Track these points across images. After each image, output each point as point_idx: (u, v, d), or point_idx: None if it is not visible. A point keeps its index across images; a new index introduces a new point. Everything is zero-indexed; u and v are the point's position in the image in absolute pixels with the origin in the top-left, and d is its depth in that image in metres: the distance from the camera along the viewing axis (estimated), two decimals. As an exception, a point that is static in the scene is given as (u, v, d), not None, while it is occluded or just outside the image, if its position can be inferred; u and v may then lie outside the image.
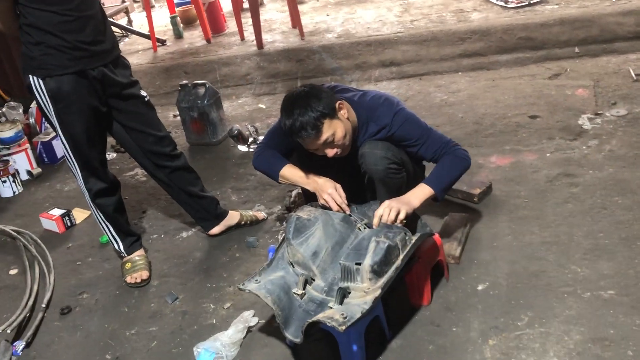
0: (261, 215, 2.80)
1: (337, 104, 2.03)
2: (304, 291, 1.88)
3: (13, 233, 2.97)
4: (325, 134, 1.99)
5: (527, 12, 4.90)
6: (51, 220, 3.01)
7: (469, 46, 4.55)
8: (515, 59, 4.29)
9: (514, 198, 2.64)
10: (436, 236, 2.12)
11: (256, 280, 1.88)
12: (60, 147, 3.44)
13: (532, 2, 4.98)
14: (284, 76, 4.78)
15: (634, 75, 3.68)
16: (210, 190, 3.02)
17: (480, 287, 2.14)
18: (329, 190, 2.08)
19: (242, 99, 4.55)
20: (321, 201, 2.12)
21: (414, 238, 1.92)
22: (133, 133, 2.39)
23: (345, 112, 2.06)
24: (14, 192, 3.48)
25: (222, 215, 2.70)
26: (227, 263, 2.55)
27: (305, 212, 2.04)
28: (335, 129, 2.00)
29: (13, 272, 2.74)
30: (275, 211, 2.88)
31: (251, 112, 4.23)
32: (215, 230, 2.70)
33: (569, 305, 1.99)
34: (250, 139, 3.62)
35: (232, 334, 2.04)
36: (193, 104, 3.66)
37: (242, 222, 2.74)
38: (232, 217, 2.73)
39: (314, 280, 1.91)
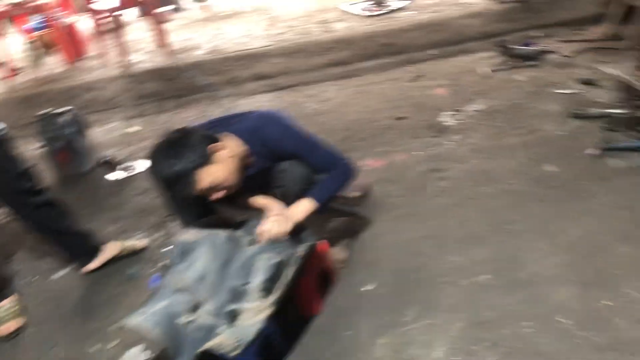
0: (140, 243, 2.68)
1: (212, 147, 1.91)
2: (192, 318, 1.82)
3: None
4: (203, 184, 1.89)
5: (386, 20, 5.17)
6: None
7: (335, 55, 4.71)
8: (379, 65, 4.50)
9: (391, 197, 2.75)
10: (321, 244, 2.15)
11: (140, 313, 1.79)
12: None
13: (391, 9, 5.26)
14: (154, 96, 4.64)
15: (483, 72, 4.00)
16: (85, 223, 2.84)
17: (367, 288, 2.20)
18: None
19: (111, 123, 4.35)
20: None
21: (301, 251, 1.93)
22: None
23: (226, 150, 1.96)
24: None
25: (97, 249, 2.54)
26: (109, 299, 2.40)
27: (189, 235, 1.98)
28: (214, 175, 1.90)
29: None
30: (157, 237, 2.76)
31: (122, 136, 4.06)
32: (91, 266, 2.54)
33: (449, 294, 2.10)
34: (124, 164, 3.46)
35: (121, 374, 1.92)
36: (56, 134, 3.43)
37: (120, 254, 2.60)
38: (109, 250, 2.58)
39: (203, 304, 1.86)
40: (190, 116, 4.17)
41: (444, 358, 1.84)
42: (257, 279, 1.78)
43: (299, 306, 2.09)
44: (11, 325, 2.27)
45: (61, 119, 3.46)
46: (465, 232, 2.41)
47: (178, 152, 1.86)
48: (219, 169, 1.91)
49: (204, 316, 1.84)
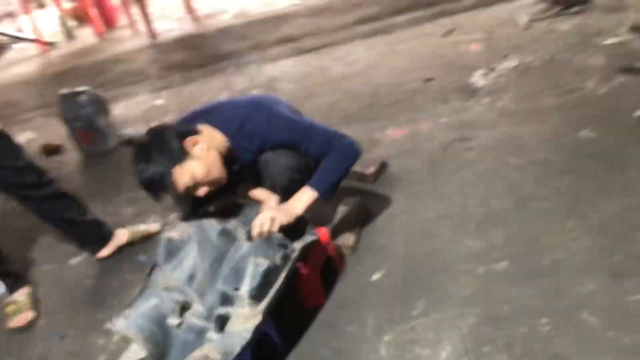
0: (154, 228, 2.63)
1: (186, 143, 1.80)
2: (181, 319, 1.74)
3: None
4: (181, 182, 1.79)
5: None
6: None
7: (365, 11, 4.44)
8: (411, 19, 4.21)
9: (410, 173, 2.56)
10: (322, 232, 2.01)
11: (125, 316, 1.73)
12: None
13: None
14: (181, 67, 4.55)
15: (523, 23, 3.64)
16: (105, 204, 2.84)
17: (375, 277, 2.06)
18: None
19: (139, 96, 4.31)
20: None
21: (296, 251, 1.80)
22: None
23: (203, 145, 1.84)
24: None
25: (108, 236, 2.52)
26: (119, 288, 2.38)
27: (177, 232, 1.89)
28: (192, 172, 1.79)
29: None
30: (172, 220, 2.71)
31: (147, 110, 4.01)
32: (104, 252, 2.53)
33: (463, 284, 1.92)
34: (143, 143, 3.40)
35: (121, 371, 1.89)
36: (76, 115, 3.41)
37: (134, 240, 2.57)
38: (120, 236, 2.55)
39: (192, 305, 1.78)
40: (215, 87, 4.07)
41: None
42: (246, 286, 1.68)
43: (301, 299, 1.99)
44: (24, 317, 2.29)
45: (81, 99, 3.43)
46: (486, 211, 2.21)
47: (149, 155, 1.78)
48: (197, 165, 1.80)
49: (194, 318, 1.76)
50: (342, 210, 2.34)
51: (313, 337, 1.89)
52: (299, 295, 1.98)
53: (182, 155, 1.79)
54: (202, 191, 1.87)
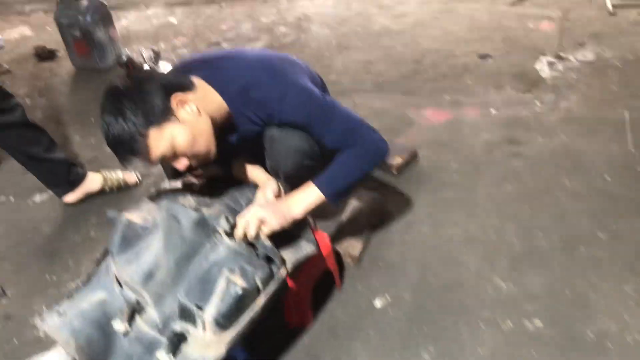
0: (132, 178, 2.26)
1: (172, 100, 1.38)
2: (128, 326, 1.39)
3: None
4: (157, 150, 1.38)
5: None
6: None
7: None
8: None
9: (442, 171, 2.14)
10: (323, 240, 1.62)
11: (60, 312, 1.38)
12: None
13: None
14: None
15: (610, 6, 3.08)
16: (85, 134, 2.45)
17: (378, 303, 1.69)
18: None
19: (151, 9, 3.82)
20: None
21: (284, 270, 1.42)
22: None
23: (193, 106, 1.42)
24: None
25: (78, 180, 2.15)
26: (78, 245, 2.03)
27: (140, 214, 1.50)
28: (173, 138, 1.38)
29: None
30: (153, 173, 2.33)
31: (158, 27, 3.54)
32: (71, 198, 2.17)
33: (484, 338, 1.55)
34: (145, 67, 2.97)
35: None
36: (74, 21, 2.96)
37: (107, 188, 2.20)
38: (92, 182, 2.18)
39: (145, 309, 1.41)
40: (237, 14, 3.57)
41: None
42: (212, 308, 1.30)
43: (283, 315, 1.63)
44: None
45: (81, 4, 2.96)
46: (527, 244, 1.81)
47: (121, 108, 1.34)
48: (181, 130, 1.38)
49: (145, 325, 1.41)
50: (352, 205, 1.94)
51: (289, 370, 1.54)
52: (281, 310, 1.61)
53: (163, 115, 1.37)
54: (181, 164, 1.46)
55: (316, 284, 1.65)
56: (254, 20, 3.49)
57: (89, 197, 2.20)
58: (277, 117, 1.51)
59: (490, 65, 2.73)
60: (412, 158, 2.17)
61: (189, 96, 1.43)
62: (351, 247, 1.81)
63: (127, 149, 1.38)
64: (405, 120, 2.40)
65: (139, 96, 1.37)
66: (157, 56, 3.05)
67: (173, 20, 3.63)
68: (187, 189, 1.70)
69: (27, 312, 1.80)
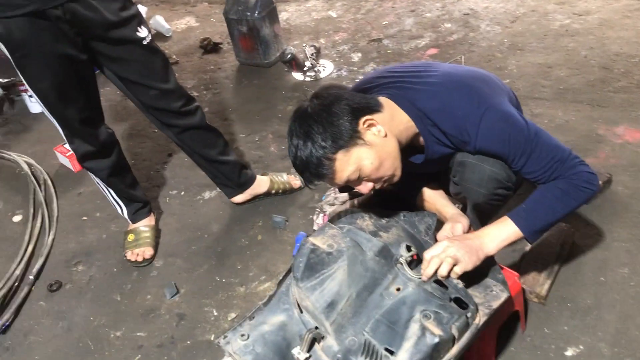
0: (297, 183, 2.24)
1: (361, 122, 1.31)
2: (308, 355, 1.34)
3: (25, 167, 2.62)
4: (343, 173, 1.32)
5: None
6: (64, 156, 2.61)
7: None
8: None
9: (643, 202, 1.87)
10: (512, 279, 1.46)
11: (242, 335, 1.36)
12: (31, 102, 3.11)
13: None
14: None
15: None
16: (250, 132, 2.48)
17: (569, 352, 1.50)
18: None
19: (311, 1, 3.78)
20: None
21: (478, 319, 1.29)
22: (130, 85, 1.81)
23: (380, 128, 1.34)
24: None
25: (248, 182, 2.16)
26: (245, 248, 2.04)
27: (324, 239, 1.44)
28: (360, 162, 1.31)
29: (17, 219, 2.41)
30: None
31: (318, 22, 3.50)
32: (239, 198, 2.19)
33: None
34: (307, 65, 2.94)
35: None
36: (242, 16, 2.99)
37: (273, 191, 2.20)
38: (260, 185, 2.19)
39: (325, 338, 1.36)
40: (400, 7, 3.43)
41: None
42: (405, 354, 1.21)
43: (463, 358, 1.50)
44: (142, 253, 2.05)
45: (250, 0, 2.98)
46: None
47: (309, 131, 1.30)
48: (368, 154, 1.31)
49: (324, 355, 1.35)
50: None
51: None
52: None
53: (351, 138, 1.30)
54: (365, 188, 1.39)
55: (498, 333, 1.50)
56: (417, 15, 3.32)
57: (255, 198, 2.21)
58: (473, 144, 1.38)
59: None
60: (606, 183, 1.93)
61: (376, 117, 1.35)
62: (537, 283, 1.64)
63: (313, 172, 1.34)
64: (594, 137, 2.14)
65: (327, 119, 1.31)
66: (317, 53, 3.02)
67: (332, 13, 3.57)
68: (366, 208, 1.63)
69: (199, 314, 1.84)
